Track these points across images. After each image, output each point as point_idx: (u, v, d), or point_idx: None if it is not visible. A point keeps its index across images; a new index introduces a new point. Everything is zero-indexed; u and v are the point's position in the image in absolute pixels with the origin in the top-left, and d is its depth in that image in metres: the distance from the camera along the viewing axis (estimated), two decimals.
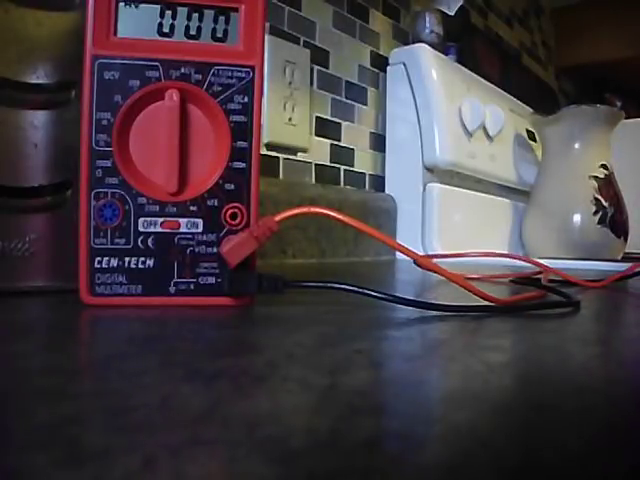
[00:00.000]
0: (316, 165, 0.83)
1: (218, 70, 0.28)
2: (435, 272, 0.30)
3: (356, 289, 0.28)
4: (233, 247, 0.27)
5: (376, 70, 0.96)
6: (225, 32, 0.29)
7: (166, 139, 0.28)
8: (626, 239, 1.00)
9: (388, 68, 0.96)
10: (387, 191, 0.95)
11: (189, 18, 0.28)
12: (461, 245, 0.93)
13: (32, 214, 0.32)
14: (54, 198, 0.32)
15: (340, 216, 0.28)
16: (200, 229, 0.28)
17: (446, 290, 0.40)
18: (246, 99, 0.29)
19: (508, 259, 0.56)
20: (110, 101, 0.27)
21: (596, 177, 0.98)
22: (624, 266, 0.71)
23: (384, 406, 0.14)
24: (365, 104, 0.94)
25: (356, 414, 0.12)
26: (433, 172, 0.92)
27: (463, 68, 1.00)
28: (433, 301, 0.28)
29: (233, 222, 0.29)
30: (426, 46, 0.92)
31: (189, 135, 0.28)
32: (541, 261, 0.56)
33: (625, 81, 1.78)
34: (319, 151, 0.84)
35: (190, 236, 0.28)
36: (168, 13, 0.28)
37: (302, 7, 0.80)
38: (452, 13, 1.04)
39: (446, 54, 0.99)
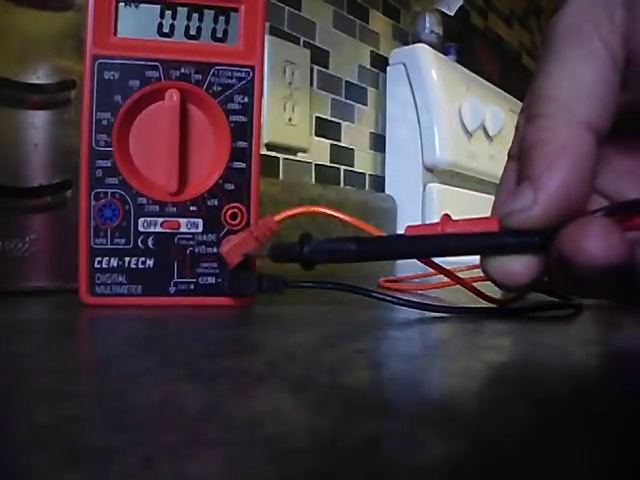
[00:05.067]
0: (316, 165, 0.83)
1: (218, 70, 0.28)
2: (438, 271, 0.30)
3: (356, 289, 0.28)
4: (233, 247, 0.27)
5: (376, 70, 0.96)
6: (225, 32, 0.29)
7: (166, 139, 0.28)
8: None
9: (388, 68, 0.96)
10: (387, 191, 0.95)
11: (189, 18, 0.28)
12: None
13: (32, 214, 0.32)
14: (54, 198, 0.32)
15: (340, 215, 0.28)
16: (200, 229, 0.28)
17: (447, 291, 0.40)
18: (246, 99, 0.29)
19: None
20: (110, 101, 0.27)
21: None
22: None
23: (384, 406, 0.14)
24: (365, 104, 0.94)
25: (356, 414, 0.12)
26: (433, 172, 0.92)
27: (463, 68, 1.00)
28: (433, 302, 0.28)
29: (233, 222, 0.29)
30: (426, 46, 0.92)
31: (189, 135, 0.28)
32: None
33: None
34: (319, 151, 0.84)
35: (190, 236, 0.28)
36: (168, 13, 0.28)
37: (302, 7, 0.80)
38: (452, 13, 1.04)
39: (446, 54, 0.99)
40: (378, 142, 0.96)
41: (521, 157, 0.20)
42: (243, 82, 0.29)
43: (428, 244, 0.23)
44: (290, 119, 0.76)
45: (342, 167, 0.89)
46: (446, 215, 0.23)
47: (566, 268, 0.18)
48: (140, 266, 0.28)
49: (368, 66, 0.94)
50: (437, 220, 0.23)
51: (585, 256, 0.17)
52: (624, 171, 0.22)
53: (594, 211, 0.19)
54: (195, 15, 0.28)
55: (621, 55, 0.19)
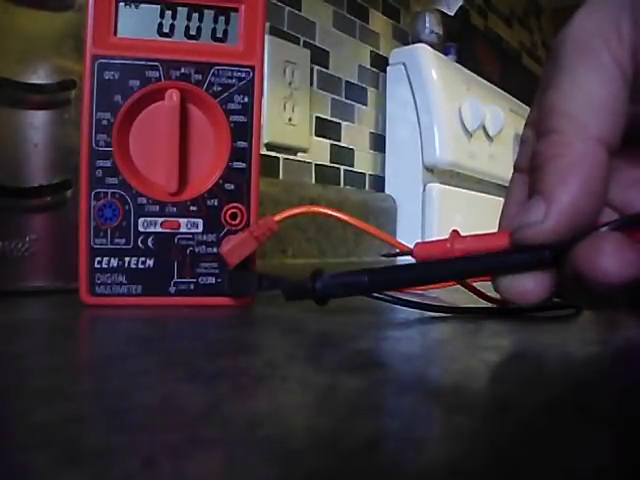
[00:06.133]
0: (316, 165, 0.83)
1: (218, 70, 0.28)
2: None
3: None
4: (233, 247, 0.27)
5: (376, 70, 0.96)
6: (225, 32, 0.29)
7: (166, 139, 0.28)
8: None
9: (388, 68, 0.96)
10: (387, 191, 0.95)
11: (189, 18, 0.28)
12: None
13: (32, 214, 0.32)
14: (54, 198, 0.32)
15: (340, 215, 0.28)
16: (200, 229, 0.28)
17: (447, 291, 0.40)
18: (246, 99, 0.29)
19: None
20: (110, 101, 0.27)
21: None
22: None
23: (384, 406, 0.14)
24: (365, 104, 0.94)
25: (356, 414, 0.12)
26: (433, 172, 0.92)
27: (463, 68, 1.00)
28: (433, 302, 0.28)
29: (233, 222, 0.29)
30: (426, 46, 0.92)
31: (189, 135, 0.28)
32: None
33: None
34: (319, 151, 0.84)
35: (190, 236, 0.28)
36: (168, 13, 0.28)
37: (302, 7, 0.80)
38: (452, 13, 1.04)
39: (446, 54, 0.99)
40: (378, 142, 0.96)
41: (533, 171, 0.20)
42: (243, 82, 0.29)
43: (440, 270, 0.23)
44: (290, 119, 0.76)
45: (342, 167, 0.89)
46: (455, 231, 0.24)
47: (580, 284, 0.18)
48: (140, 266, 0.28)
49: (368, 66, 0.94)
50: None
51: (601, 273, 0.17)
52: (631, 181, 0.22)
53: (604, 224, 0.19)
54: (195, 15, 0.28)
55: (630, 69, 0.19)
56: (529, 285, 0.20)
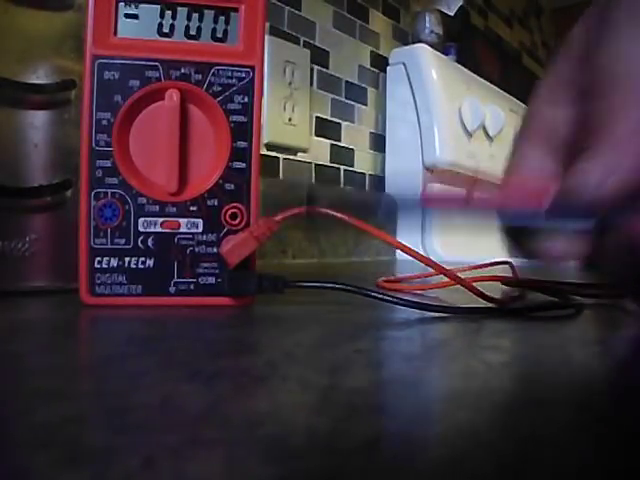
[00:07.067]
0: (316, 165, 0.83)
1: (218, 70, 0.28)
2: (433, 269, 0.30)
3: (356, 289, 0.28)
4: (233, 247, 0.27)
5: (376, 70, 0.96)
6: (225, 32, 0.29)
7: (166, 139, 0.28)
8: None
9: (388, 68, 0.96)
10: (387, 191, 0.95)
11: (189, 18, 0.28)
12: (461, 246, 0.93)
13: (32, 214, 0.32)
14: (54, 198, 0.32)
15: (340, 215, 0.28)
16: (200, 229, 0.28)
17: (447, 291, 0.40)
18: (246, 99, 0.29)
19: None
20: (110, 101, 0.27)
21: None
22: None
23: (384, 406, 0.14)
24: (365, 104, 0.94)
25: (356, 414, 0.12)
26: (433, 172, 0.92)
27: (463, 68, 1.00)
28: (433, 302, 0.28)
29: (233, 222, 0.29)
30: (426, 46, 0.92)
31: (189, 135, 0.28)
32: None
33: None
34: (319, 151, 0.84)
35: (190, 236, 0.28)
36: (168, 13, 0.28)
37: (302, 7, 0.80)
38: (452, 13, 1.04)
39: (446, 54, 0.99)
40: (378, 142, 0.96)
41: (589, 133, 0.18)
42: (243, 82, 0.29)
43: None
44: (290, 119, 0.76)
45: (342, 167, 0.89)
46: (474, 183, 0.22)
47: (629, 254, 0.17)
48: (140, 266, 0.28)
49: (368, 66, 0.94)
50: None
51: None
52: None
53: None
54: (195, 15, 0.28)
55: None
56: (561, 246, 0.19)
